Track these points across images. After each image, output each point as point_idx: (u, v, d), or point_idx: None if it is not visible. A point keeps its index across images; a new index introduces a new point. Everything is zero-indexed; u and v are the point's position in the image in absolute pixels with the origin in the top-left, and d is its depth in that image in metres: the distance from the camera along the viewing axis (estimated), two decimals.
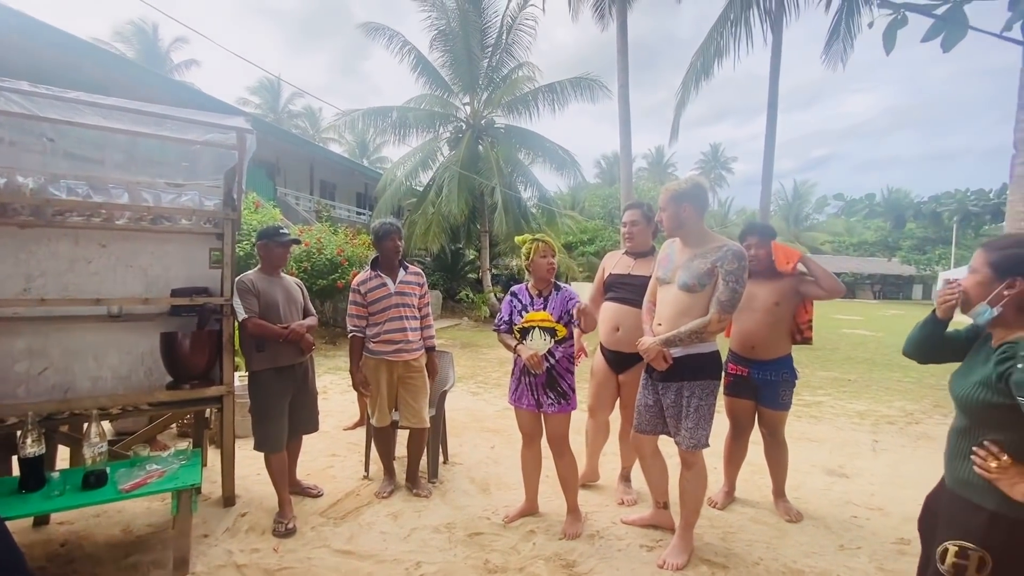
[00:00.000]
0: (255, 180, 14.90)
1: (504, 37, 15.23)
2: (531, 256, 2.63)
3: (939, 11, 3.40)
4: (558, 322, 2.58)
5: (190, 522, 2.32)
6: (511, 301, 2.73)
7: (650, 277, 2.60)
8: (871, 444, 4.23)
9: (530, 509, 2.84)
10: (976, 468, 1.31)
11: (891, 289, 39.63)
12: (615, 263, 3.05)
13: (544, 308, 2.61)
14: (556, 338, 2.58)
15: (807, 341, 2.86)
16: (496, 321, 2.77)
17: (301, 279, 9.48)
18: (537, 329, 2.59)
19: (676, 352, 2.30)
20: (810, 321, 2.85)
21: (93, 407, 2.47)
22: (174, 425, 4.06)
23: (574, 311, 2.54)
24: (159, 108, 2.57)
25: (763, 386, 2.81)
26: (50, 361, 2.57)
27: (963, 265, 27.80)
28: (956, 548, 1.30)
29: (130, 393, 2.69)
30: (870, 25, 3.99)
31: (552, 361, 2.59)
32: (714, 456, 3.75)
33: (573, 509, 2.72)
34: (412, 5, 14.93)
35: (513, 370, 2.73)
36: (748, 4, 8.50)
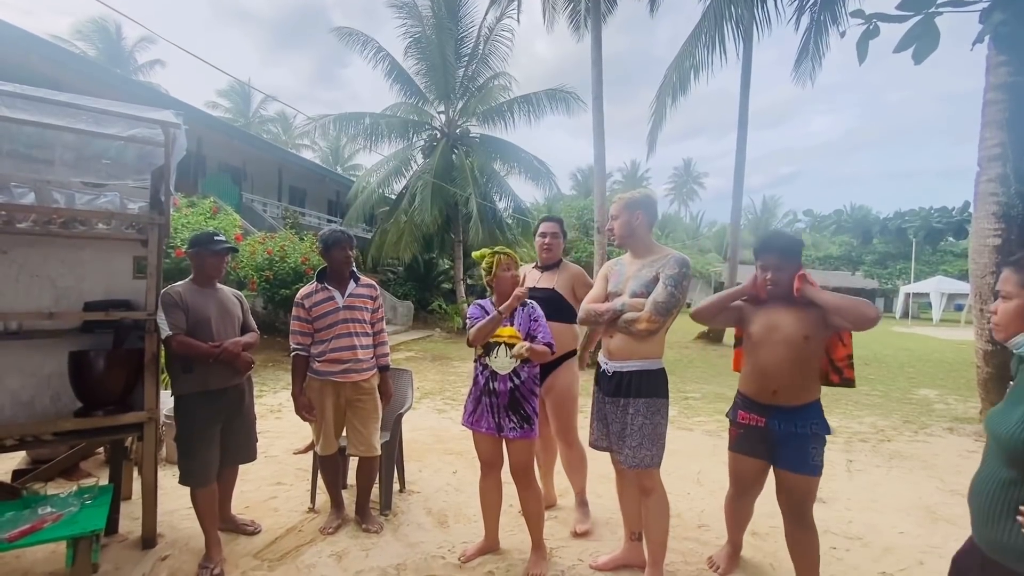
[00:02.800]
0: (220, 185, 14.36)
1: (481, 47, 15.16)
2: (493, 270, 2.44)
3: (911, 22, 3.38)
4: (525, 339, 2.38)
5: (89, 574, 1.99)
6: (477, 311, 2.50)
7: (551, 290, 2.86)
8: (846, 464, 4.12)
9: (490, 546, 2.59)
10: None
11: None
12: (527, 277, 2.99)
13: (511, 324, 2.41)
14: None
15: (848, 383, 2.16)
16: (468, 326, 2.54)
17: (263, 288, 9.15)
18: (503, 345, 2.39)
19: (624, 367, 2.25)
20: (850, 357, 2.15)
21: None
22: (101, 450, 3.67)
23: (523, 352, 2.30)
24: (71, 97, 2.26)
25: (785, 442, 2.10)
26: None
27: (922, 279, 28.81)
28: None
29: (30, 422, 2.35)
30: (842, 35, 3.98)
31: (517, 381, 2.38)
32: (686, 480, 3.60)
33: (538, 546, 2.48)
34: (389, 12, 14.73)
35: (472, 390, 2.50)
36: (721, 19, 8.57)
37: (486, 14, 14.52)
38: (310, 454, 3.98)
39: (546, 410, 2.91)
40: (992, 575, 1.18)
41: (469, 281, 16.96)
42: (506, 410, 2.37)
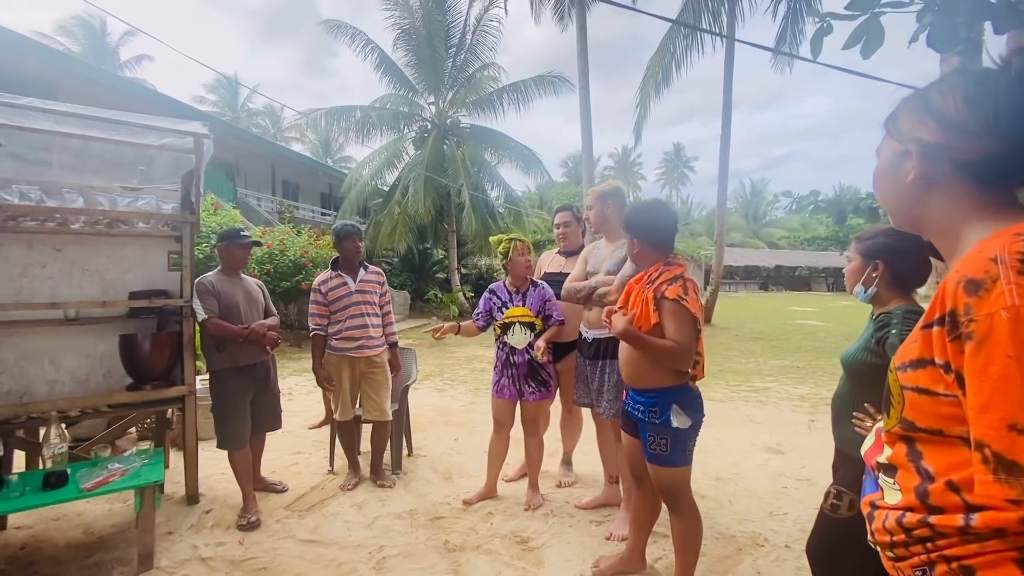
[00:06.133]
0: (214, 181, 14.51)
1: (469, 38, 15.32)
2: (509, 255, 2.83)
3: (858, 21, 3.74)
4: (537, 316, 2.80)
5: (154, 518, 2.37)
6: (489, 298, 2.93)
7: None
8: (808, 424, 4.57)
9: (489, 493, 3.00)
10: (856, 428, 1.52)
11: (842, 281, 41.27)
12: (549, 262, 3.30)
13: (523, 304, 2.82)
14: (535, 331, 2.82)
15: (692, 377, 1.95)
16: (474, 314, 2.98)
17: (263, 281, 9.46)
18: (518, 324, 2.81)
19: (601, 334, 2.59)
20: (700, 355, 1.94)
21: (51, 410, 2.49)
22: (133, 429, 4.03)
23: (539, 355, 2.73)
24: (113, 113, 2.59)
25: (637, 423, 2.02)
26: (5, 366, 2.57)
27: None
28: (834, 491, 1.53)
29: (89, 396, 2.71)
30: (800, 32, 4.34)
31: (533, 353, 2.78)
32: None
33: (534, 484, 2.95)
34: (375, 2, 14.86)
35: (496, 364, 2.91)
36: (698, 12, 8.87)
37: (471, 3, 14.71)
38: (324, 428, 4.40)
39: (559, 383, 3.19)
40: (845, 463, 1.60)
41: (463, 270, 17.30)
42: (526, 378, 2.81)
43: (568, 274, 3.03)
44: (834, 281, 41.44)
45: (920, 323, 0.72)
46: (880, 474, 0.81)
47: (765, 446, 3.93)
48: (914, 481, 0.73)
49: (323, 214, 20.50)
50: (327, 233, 12.47)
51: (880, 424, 0.86)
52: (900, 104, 0.83)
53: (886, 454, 0.80)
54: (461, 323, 2.97)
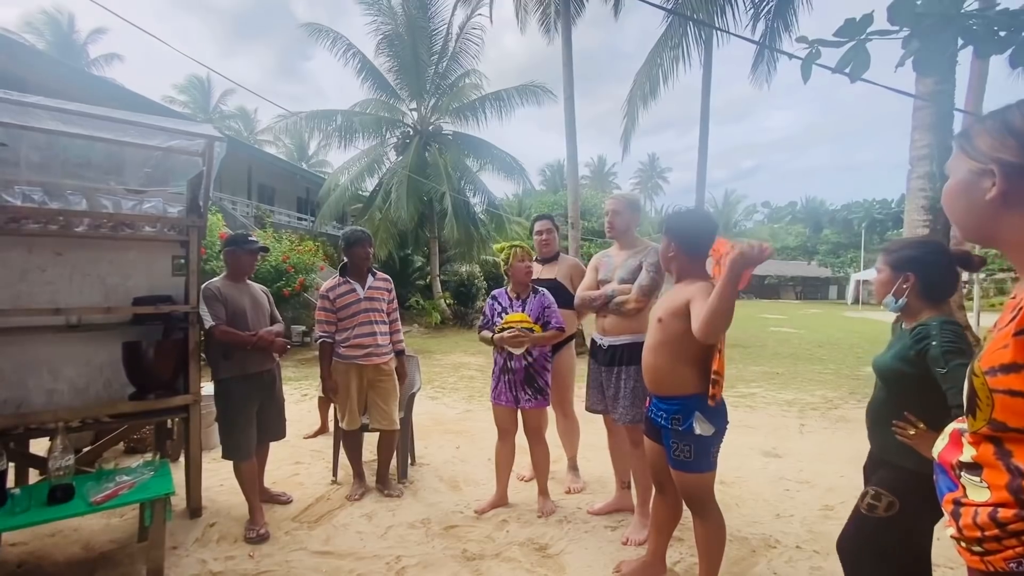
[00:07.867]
0: None
1: (452, 45, 15.36)
2: (510, 261, 2.86)
3: (846, 47, 3.96)
4: (536, 323, 2.81)
5: (164, 532, 2.28)
6: (492, 304, 2.94)
7: (553, 279, 3.23)
8: (799, 428, 4.72)
9: (500, 501, 3.00)
10: (898, 435, 1.54)
11: (810, 290, 43.00)
12: None
13: (523, 310, 2.83)
14: None
15: (711, 397, 1.91)
16: (481, 323, 2.99)
17: None
18: (515, 330, 2.80)
19: (617, 341, 2.66)
20: (717, 374, 1.90)
21: (50, 420, 2.38)
22: (121, 443, 3.88)
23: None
24: (122, 113, 2.52)
25: (661, 430, 2.05)
26: (1, 375, 2.44)
27: (871, 267, 30.63)
28: (872, 492, 1.58)
29: (91, 405, 2.60)
30: (790, 58, 4.53)
31: (530, 359, 2.81)
32: None
33: (544, 491, 2.96)
34: (351, 7, 14.77)
35: (494, 370, 2.91)
36: (685, 28, 9.14)
37: (454, 11, 14.77)
38: (320, 438, 4.32)
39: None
40: (881, 467, 1.65)
41: (444, 277, 17.20)
42: (522, 384, 2.80)
43: (545, 279, 3.23)
44: (802, 289, 42.84)
45: (1011, 330, 0.77)
46: (962, 472, 0.86)
47: (762, 450, 4.04)
48: (1004, 478, 0.78)
49: (299, 219, 20.14)
50: (306, 238, 12.27)
51: (959, 426, 0.91)
52: (975, 124, 0.89)
53: (969, 453, 0.85)
54: (483, 335, 2.94)
